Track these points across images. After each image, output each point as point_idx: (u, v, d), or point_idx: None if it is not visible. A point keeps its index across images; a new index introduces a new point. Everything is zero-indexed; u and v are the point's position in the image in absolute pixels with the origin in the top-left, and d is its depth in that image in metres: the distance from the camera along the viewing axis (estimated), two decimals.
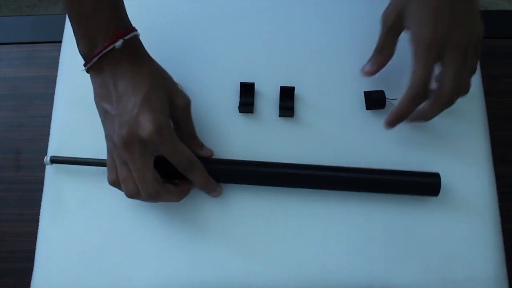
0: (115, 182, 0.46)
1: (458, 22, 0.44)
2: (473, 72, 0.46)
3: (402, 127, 0.52)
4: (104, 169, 0.51)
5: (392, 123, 0.48)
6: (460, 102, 0.48)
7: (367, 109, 0.53)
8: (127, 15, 0.47)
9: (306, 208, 0.50)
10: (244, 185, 0.51)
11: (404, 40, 0.47)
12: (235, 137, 0.53)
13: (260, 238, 0.49)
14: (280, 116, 0.53)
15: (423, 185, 0.48)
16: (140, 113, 0.42)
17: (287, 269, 0.49)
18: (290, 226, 0.50)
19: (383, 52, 0.50)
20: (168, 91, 0.46)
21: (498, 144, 0.55)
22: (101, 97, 0.45)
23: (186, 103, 0.48)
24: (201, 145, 0.50)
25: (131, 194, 0.45)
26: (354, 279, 0.48)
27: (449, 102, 0.46)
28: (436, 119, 0.48)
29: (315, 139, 0.52)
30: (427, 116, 0.48)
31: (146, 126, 0.42)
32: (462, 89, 0.46)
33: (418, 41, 0.44)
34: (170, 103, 0.46)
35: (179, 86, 0.54)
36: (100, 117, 0.46)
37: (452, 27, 0.43)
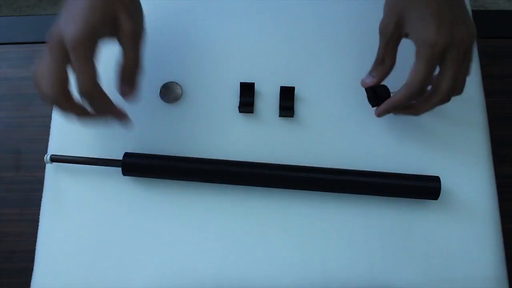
0: (36, 74, 0.45)
1: (459, 23, 0.44)
2: (469, 73, 0.47)
3: (402, 129, 0.53)
4: (105, 168, 0.51)
5: (383, 114, 0.49)
6: (460, 102, 0.48)
7: (372, 106, 0.51)
8: None
9: (306, 209, 0.50)
10: (243, 186, 0.51)
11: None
12: (235, 137, 0.53)
13: (260, 239, 0.49)
14: (280, 116, 0.53)
15: (423, 189, 0.48)
16: (74, 18, 0.42)
17: (288, 270, 0.49)
18: (290, 227, 0.50)
19: (385, 63, 0.49)
20: (114, 12, 0.44)
21: (498, 144, 0.55)
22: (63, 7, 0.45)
23: (131, 29, 0.45)
24: (132, 92, 0.47)
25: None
26: (354, 279, 0.48)
27: (444, 100, 0.46)
28: (436, 120, 0.48)
29: (315, 139, 0.52)
30: (419, 111, 0.48)
31: (69, 31, 0.42)
32: (457, 88, 0.46)
33: (424, 42, 0.44)
34: (116, 25, 0.45)
35: (178, 87, 0.54)
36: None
37: (454, 27, 0.44)
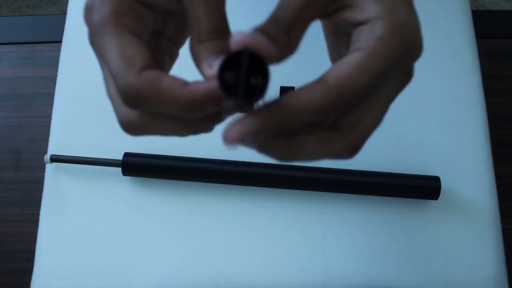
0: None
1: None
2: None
3: (402, 129, 0.52)
4: (105, 168, 0.51)
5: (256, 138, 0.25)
6: (460, 102, 0.48)
7: (240, 100, 0.27)
8: None
9: (306, 209, 0.50)
10: (244, 186, 0.51)
11: None
12: None
13: (260, 239, 0.49)
14: None
15: (423, 189, 0.48)
16: None
17: (288, 270, 0.49)
18: (290, 227, 0.50)
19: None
20: None
21: (498, 144, 0.55)
22: None
23: None
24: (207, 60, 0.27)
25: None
26: (354, 279, 0.48)
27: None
28: (436, 120, 0.48)
29: None
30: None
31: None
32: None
33: (391, 23, 0.26)
34: None
35: None
36: None
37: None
